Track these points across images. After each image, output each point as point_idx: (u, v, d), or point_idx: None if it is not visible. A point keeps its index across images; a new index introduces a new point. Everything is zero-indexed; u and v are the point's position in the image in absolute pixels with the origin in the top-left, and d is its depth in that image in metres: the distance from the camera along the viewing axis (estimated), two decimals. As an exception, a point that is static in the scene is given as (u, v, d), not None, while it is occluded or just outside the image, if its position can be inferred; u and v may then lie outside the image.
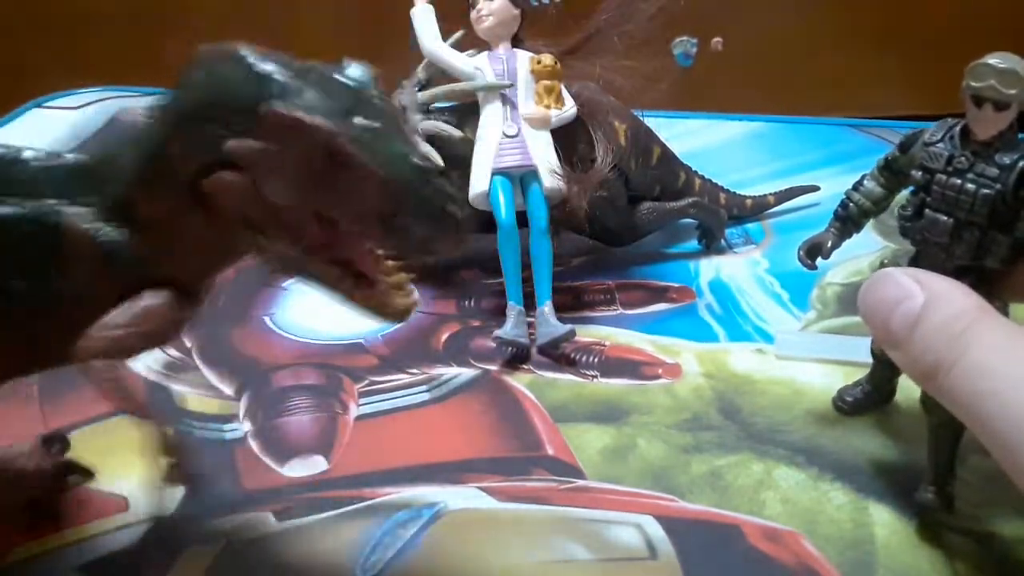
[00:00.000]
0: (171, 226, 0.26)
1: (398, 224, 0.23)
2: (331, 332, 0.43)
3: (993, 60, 0.27)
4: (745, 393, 0.38)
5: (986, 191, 0.28)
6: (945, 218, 0.29)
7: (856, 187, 0.33)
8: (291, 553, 0.30)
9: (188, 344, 0.42)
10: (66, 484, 0.33)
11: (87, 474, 0.34)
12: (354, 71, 0.24)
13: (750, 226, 0.51)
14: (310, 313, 0.44)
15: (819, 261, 0.33)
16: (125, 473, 0.34)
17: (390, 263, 0.26)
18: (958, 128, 0.29)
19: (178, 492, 0.33)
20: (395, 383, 0.39)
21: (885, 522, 0.31)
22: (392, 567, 0.30)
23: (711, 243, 0.49)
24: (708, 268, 0.47)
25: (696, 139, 0.61)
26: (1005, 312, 0.29)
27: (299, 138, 0.23)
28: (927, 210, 0.29)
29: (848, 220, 0.33)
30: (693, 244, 0.49)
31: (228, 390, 0.39)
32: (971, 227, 0.28)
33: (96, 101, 0.68)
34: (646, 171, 0.47)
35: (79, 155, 0.27)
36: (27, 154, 0.26)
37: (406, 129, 0.24)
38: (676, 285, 0.46)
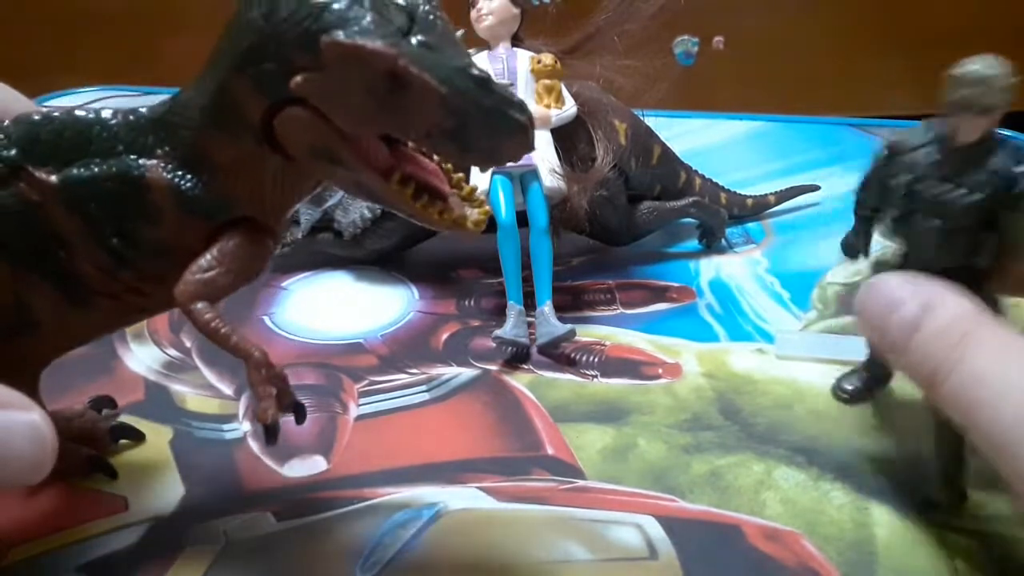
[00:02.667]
0: (246, 168, 0.26)
1: (464, 137, 0.23)
2: (331, 332, 0.43)
3: (973, 68, 0.27)
4: (746, 393, 0.38)
5: (975, 197, 0.28)
6: (935, 223, 0.29)
7: (863, 187, 0.32)
8: (291, 553, 0.30)
9: (188, 344, 0.42)
10: (116, 447, 0.35)
11: (139, 436, 0.35)
12: None
13: (751, 226, 0.51)
14: (310, 313, 0.44)
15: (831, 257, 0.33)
16: (125, 473, 0.34)
17: (457, 176, 0.27)
18: (941, 132, 0.28)
19: (178, 492, 0.33)
20: (395, 383, 0.39)
21: (886, 522, 0.31)
22: (392, 567, 0.29)
23: (711, 243, 0.49)
24: (708, 268, 0.47)
25: (696, 138, 0.61)
26: (998, 306, 0.29)
27: (361, 65, 0.23)
28: (916, 215, 0.29)
29: (866, 220, 0.32)
30: (693, 244, 0.49)
31: (228, 390, 0.39)
32: (961, 231, 0.28)
33: (95, 101, 0.68)
34: (646, 170, 0.47)
35: (154, 107, 0.27)
36: (106, 114, 0.27)
37: (459, 41, 0.25)
38: (676, 285, 0.46)
